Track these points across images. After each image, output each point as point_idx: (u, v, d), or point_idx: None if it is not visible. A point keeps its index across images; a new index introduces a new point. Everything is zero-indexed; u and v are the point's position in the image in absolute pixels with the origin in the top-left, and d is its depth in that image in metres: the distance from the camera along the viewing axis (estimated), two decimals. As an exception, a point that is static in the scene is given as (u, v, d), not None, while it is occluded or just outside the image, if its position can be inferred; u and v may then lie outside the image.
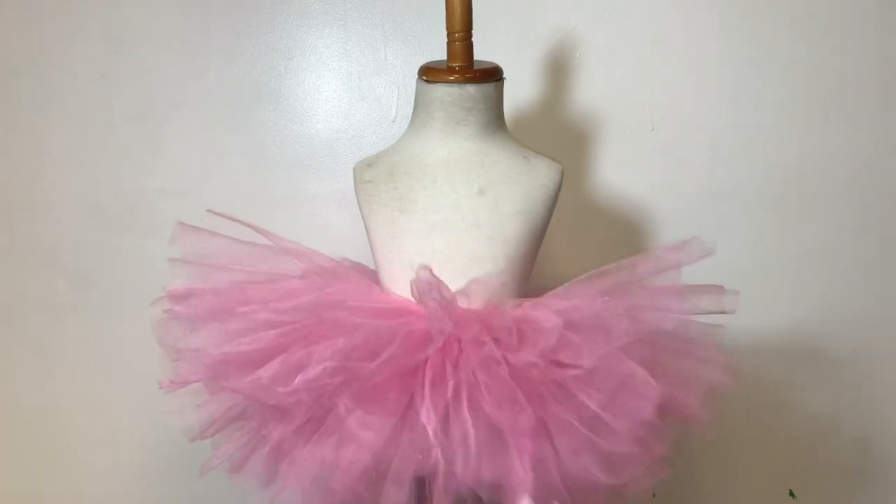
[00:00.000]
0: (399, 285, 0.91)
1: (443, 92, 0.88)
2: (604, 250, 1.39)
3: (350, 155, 1.35)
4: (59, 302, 1.41)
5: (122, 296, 1.40)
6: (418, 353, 0.80)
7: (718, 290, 0.88)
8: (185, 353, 0.87)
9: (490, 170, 0.89)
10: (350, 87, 1.34)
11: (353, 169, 0.95)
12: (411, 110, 0.94)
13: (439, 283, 0.79)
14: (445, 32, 0.88)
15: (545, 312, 0.82)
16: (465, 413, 0.78)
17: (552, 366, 0.79)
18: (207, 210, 0.92)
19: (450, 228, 0.88)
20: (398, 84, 1.33)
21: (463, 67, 0.88)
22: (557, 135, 1.34)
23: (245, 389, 0.81)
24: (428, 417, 0.78)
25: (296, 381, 0.78)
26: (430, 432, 0.77)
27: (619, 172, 1.36)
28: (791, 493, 1.50)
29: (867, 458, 1.50)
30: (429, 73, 0.90)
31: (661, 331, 0.87)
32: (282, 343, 0.82)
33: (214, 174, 1.36)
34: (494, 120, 0.91)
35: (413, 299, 0.85)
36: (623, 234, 1.39)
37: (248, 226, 0.92)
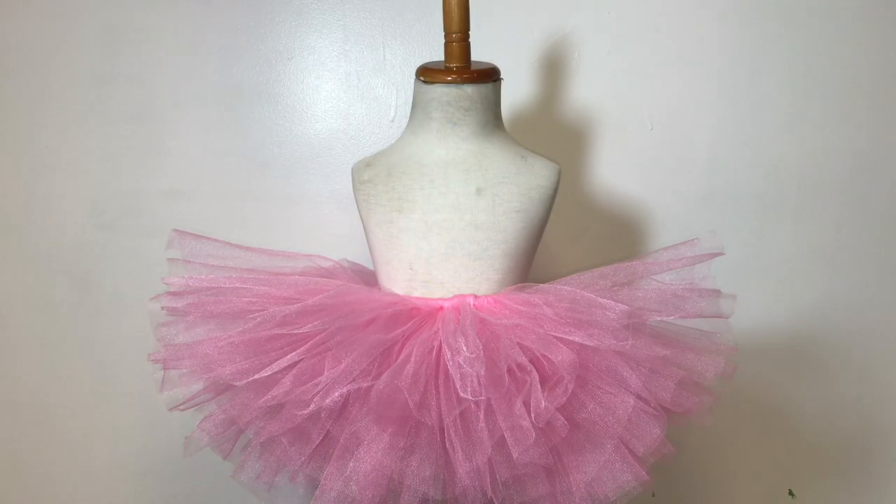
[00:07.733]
0: (397, 285, 0.91)
1: (440, 92, 0.88)
2: (602, 250, 1.39)
3: (349, 155, 1.35)
4: (59, 302, 1.41)
5: (122, 296, 1.40)
6: (430, 365, 0.80)
7: (716, 293, 0.88)
8: (185, 361, 0.87)
9: (488, 170, 0.89)
10: (349, 87, 1.34)
11: (352, 169, 0.95)
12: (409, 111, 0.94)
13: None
14: (443, 33, 0.88)
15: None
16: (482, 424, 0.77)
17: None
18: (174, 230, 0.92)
19: (448, 228, 0.89)
20: (397, 84, 1.33)
21: (460, 68, 0.88)
22: (556, 135, 1.34)
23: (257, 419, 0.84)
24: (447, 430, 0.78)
25: (311, 405, 0.78)
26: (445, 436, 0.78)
27: (618, 172, 1.36)
28: (791, 493, 1.50)
29: (867, 458, 1.50)
30: (426, 73, 0.90)
31: (660, 327, 0.87)
32: (290, 357, 0.82)
33: (214, 174, 1.36)
34: (492, 120, 0.91)
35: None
36: (621, 234, 1.39)
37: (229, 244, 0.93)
